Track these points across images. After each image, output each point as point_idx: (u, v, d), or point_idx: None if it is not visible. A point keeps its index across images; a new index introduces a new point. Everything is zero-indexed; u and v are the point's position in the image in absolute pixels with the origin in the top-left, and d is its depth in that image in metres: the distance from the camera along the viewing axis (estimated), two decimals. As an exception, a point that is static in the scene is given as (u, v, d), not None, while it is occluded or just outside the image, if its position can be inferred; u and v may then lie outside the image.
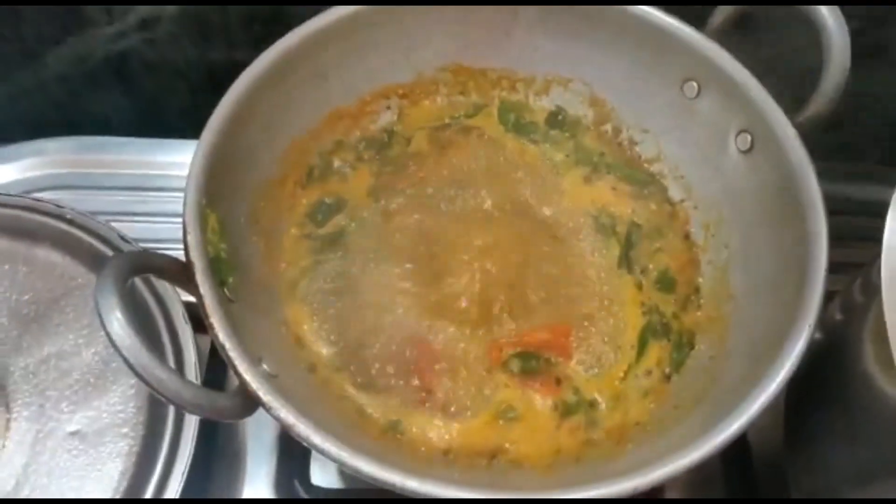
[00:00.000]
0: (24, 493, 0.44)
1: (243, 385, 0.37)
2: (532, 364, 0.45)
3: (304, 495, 0.51)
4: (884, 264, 0.32)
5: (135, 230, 0.55)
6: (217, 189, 0.43)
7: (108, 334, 0.33)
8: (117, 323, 0.34)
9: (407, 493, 0.35)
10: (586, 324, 0.47)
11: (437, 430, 0.43)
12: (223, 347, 0.37)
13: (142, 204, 0.61)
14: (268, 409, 0.36)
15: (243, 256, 0.45)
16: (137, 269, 0.37)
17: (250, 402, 0.37)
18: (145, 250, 0.49)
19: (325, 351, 0.45)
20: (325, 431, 0.36)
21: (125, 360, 0.33)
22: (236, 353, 0.37)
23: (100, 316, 0.34)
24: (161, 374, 0.34)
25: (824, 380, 0.40)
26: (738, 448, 0.52)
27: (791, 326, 0.39)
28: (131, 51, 0.66)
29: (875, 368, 0.34)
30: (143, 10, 0.63)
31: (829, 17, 0.43)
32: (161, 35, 0.65)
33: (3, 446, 0.45)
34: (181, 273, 0.39)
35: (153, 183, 0.63)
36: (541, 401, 0.45)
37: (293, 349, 0.45)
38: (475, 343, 0.45)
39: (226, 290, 0.41)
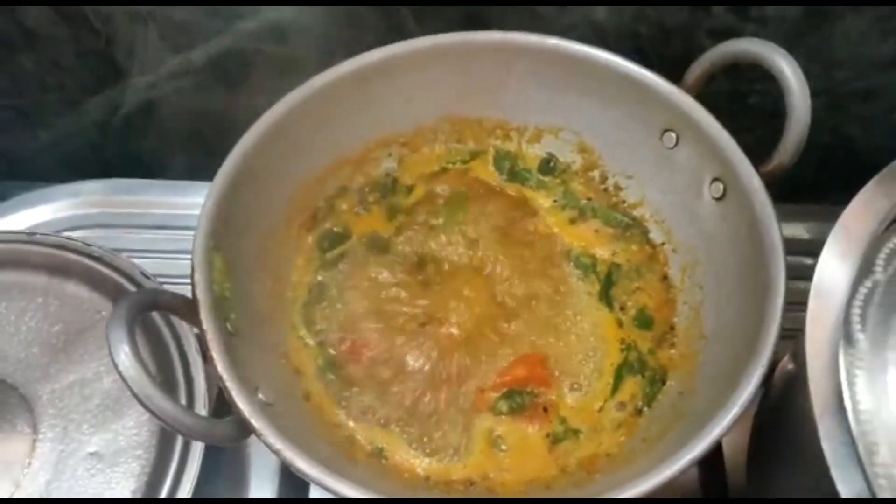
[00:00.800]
0: (47, 509, 0.48)
1: (237, 413, 0.41)
2: (518, 400, 0.49)
3: (304, 516, 0.54)
4: (810, 306, 0.35)
5: (157, 266, 0.60)
6: (225, 232, 0.47)
7: (115, 366, 0.37)
8: (124, 356, 0.38)
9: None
10: (566, 357, 0.50)
11: (423, 465, 0.47)
12: (221, 378, 0.41)
13: (165, 242, 0.66)
14: (258, 435, 0.40)
15: (249, 293, 0.49)
16: (147, 307, 0.42)
17: (244, 429, 0.40)
18: (156, 289, 0.53)
19: (319, 380, 0.49)
20: (311, 457, 0.40)
21: (130, 390, 0.37)
22: (232, 383, 0.41)
23: (109, 349, 0.38)
24: (163, 404, 0.38)
25: (786, 410, 0.43)
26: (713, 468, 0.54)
27: (747, 366, 0.41)
28: (162, 99, 0.72)
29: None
30: (174, 63, 0.69)
31: (791, 77, 0.46)
32: (189, 85, 0.70)
33: (29, 464, 0.50)
34: (188, 309, 0.44)
35: (177, 222, 0.67)
36: (533, 431, 0.48)
37: (291, 379, 0.49)
38: (462, 390, 0.49)
39: (228, 325, 0.45)
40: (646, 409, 0.48)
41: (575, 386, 0.49)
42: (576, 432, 0.47)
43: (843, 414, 0.30)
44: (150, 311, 0.42)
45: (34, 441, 0.51)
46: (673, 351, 0.50)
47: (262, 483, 0.55)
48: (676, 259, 0.53)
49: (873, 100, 0.67)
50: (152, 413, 0.37)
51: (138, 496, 0.48)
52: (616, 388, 0.49)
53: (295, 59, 0.67)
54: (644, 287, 0.53)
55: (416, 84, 0.56)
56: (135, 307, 0.40)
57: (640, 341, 0.51)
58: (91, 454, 0.50)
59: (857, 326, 0.32)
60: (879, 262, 0.34)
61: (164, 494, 0.48)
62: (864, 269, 0.34)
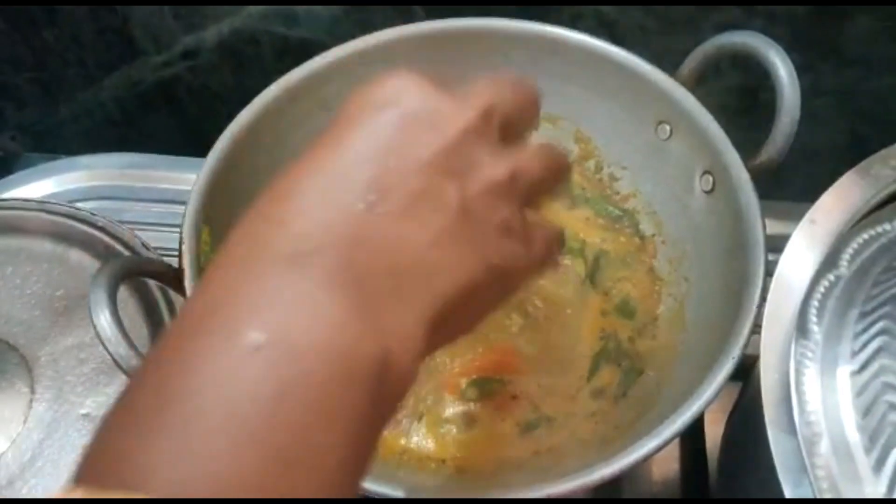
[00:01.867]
0: (38, 465, 0.50)
1: (213, 379, 0.42)
2: (487, 387, 0.49)
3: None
4: (770, 297, 0.35)
5: (161, 239, 0.62)
6: (217, 206, 0.49)
7: (94, 326, 0.39)
8: (103, 317, 0.39)
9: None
10: (545, 344, 0.50)
11: (398, 441, 0.48)
12: (199, 345, 0.43)
13: (171, 216, 0.68)
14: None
15: (238, 267, 0.51)
16: (131, 273, 0.43)
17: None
18: (143, 257, 0.55)
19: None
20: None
21: (106, 349, 0.39)
22: (210, 350, 0.42)
23: (89, 310, 0.39)
24: (137, 364, 0.39)
25: (756, 404, 0.42)
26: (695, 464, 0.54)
27: (718, 359, 0.41)
28: (177, 77, 0.73)
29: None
30: (187, 42, 0.70)
31: (782, 70, 0.46)
32: (202, 64, 0.72)
33: (25, 422, 0.52)
34: (174, 278, 0.45)
35: (183, 197, 0.69)
36: (504, 418, 0.49)
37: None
38: (438, 371, 0.50)
39: (213, 296, 0.46)
40: (621, 398, 0.48)
41: (550, 373, 0.49)
42: (549, 419, 0.48)
43: (790, 403, 0.30)
44: (134, 277, 0.44)
45: (31, 400, 0.53)
46: (653, 342, 0.50)
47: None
48: (665, 251, 0.53)
49: (887, 100, 0.66)
50: (125, 373, 0.39)
51: (124, 458, 0.50)
52: (592, 375, 0.49)
53: (304, 42, 0.68)
54: (629, 277, 0.53)
55: (416, 67, 0.57)
56: (118, 272, 0.41)
57: (620, 330, 0.51)
58: (83, 415, 0.52)
59: (812, 318, 0.32)
60: (845, 256, 0.34)
61: (147, 457, 0.50)
62: (829, 263, 0.34)
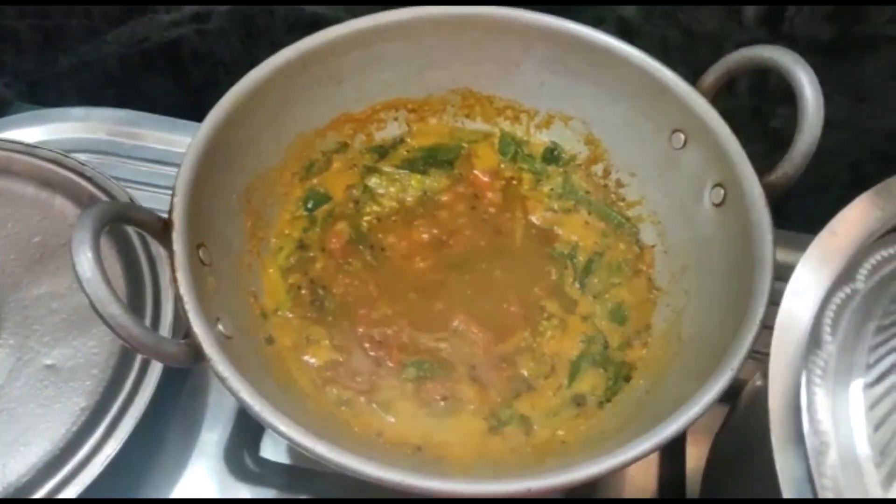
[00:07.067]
0: (-7, 412, 0.48)
1: (192, 336, 0.40)
2: (423, 371, 0.48)
3: (251, 466, 0.53)
4: (784, 306, 0.33)
5: (148, 198, 0.59)
6: (213, 164, 0.47)
7: (74, 265, 0.37)
8: (84, 257, 0.37)
9: (323, 460, 0.38)
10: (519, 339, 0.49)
11: (370, 415, 0.46)
12: (181, 299, 0.41)
13: (162, 177, 0.66)
14: (207, 360, 0.39)
15: (228, 229, 0.49)
16: (117, 218, 0.41)
17: (194, 352, 0.40)
18: (129, 203, 0.53)
19: (284, 326, 0.49)
20: (259, 392, 0.39)
21: (84, 291, 0.37)
22: (191, 305, 0.40)
23: (71, 248, 0.37)
24: (114, 310, 0.37)
25: (747, 425, 0.41)
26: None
27: (716, 369, 0.40)
28: (183, 39, 0.71)
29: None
30: (197, 5, 0.68)
31: (808, 86, 0.45)
32: (211, 28, 0.70)
33: (-15, 367, 0.49)
34: (161, 230, 0.43)
35: (177, 159, 0.67)
36: (472, 412, 0.47)
37: (256, 320, 0.48)
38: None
39: (201, 253, 0.45)
40: (607, 403, 0.47)
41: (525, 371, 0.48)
42: (523, 419, 0.46)
43: (798, 412, 0.29)
44: (120, 223, 0.41)
45: (-7, 345, 0.50)
46: (645, 351, 0.49)
47: (214, 427, 0.54)
48: (666, 261, 0.52)
49: (897, 140, 0.66)
50: (101, 317, 0.37)
51: (87, 413, 0.48)
52: (573, 380, 0.48)
53: (317, 16, 0.66)
54: (624, 283, 0.52)
55: (431, 52, 0.56)
56: (104, 215, 0.39)
57: (610, 335, 0.50)
58: (47, 366, 0.50)
59: (826, 329, 0.31)
60: (863, 271, 0.33)
61: (109, 417, 0.48)
62: (846, 276, 0.33)
